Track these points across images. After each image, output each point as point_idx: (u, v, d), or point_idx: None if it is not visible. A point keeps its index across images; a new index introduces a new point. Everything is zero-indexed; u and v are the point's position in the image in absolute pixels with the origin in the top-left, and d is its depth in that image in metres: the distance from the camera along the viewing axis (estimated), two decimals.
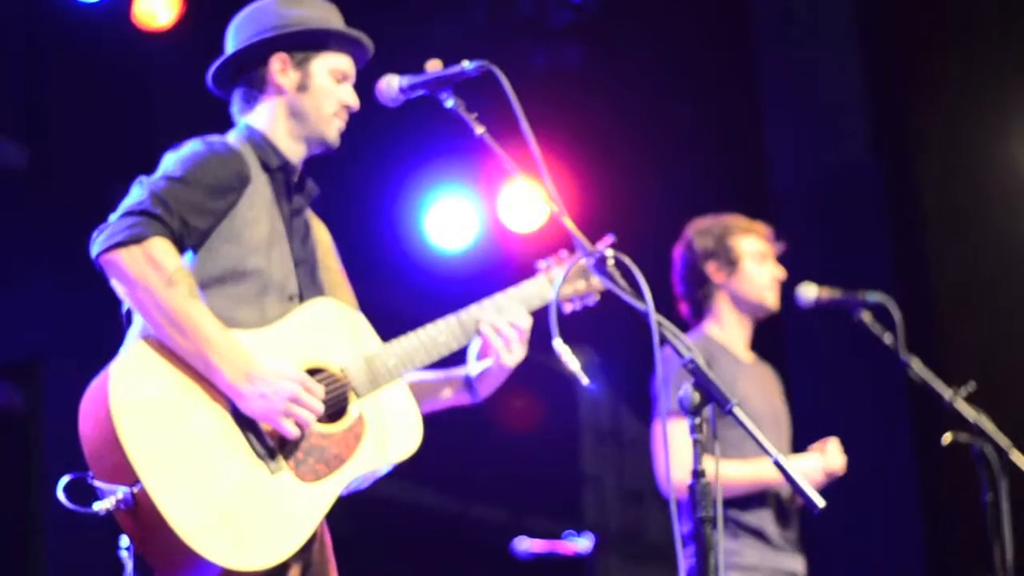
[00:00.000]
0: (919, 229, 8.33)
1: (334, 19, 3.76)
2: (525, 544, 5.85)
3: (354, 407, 3.51)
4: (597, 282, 3.94)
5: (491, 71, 3.29)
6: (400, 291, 7.93)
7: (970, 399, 4.85)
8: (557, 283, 3.68)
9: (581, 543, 5.70)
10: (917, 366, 4.92)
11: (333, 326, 3.60)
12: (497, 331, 3.75)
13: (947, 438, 4.84)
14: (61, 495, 3.26)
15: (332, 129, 3.72)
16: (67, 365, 3.41)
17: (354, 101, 3.73)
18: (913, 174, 8.39)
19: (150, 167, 3.69)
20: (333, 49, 3.72)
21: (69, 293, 6.15)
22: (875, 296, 4.97)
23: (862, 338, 4.98)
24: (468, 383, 3.84)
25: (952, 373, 4.95)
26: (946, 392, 4.85)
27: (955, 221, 8.19)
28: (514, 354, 3.77)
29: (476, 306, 3.79)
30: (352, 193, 7.78)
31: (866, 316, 5.00)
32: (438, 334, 3.70)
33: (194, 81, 3.88)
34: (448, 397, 3.88)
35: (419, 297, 7.70)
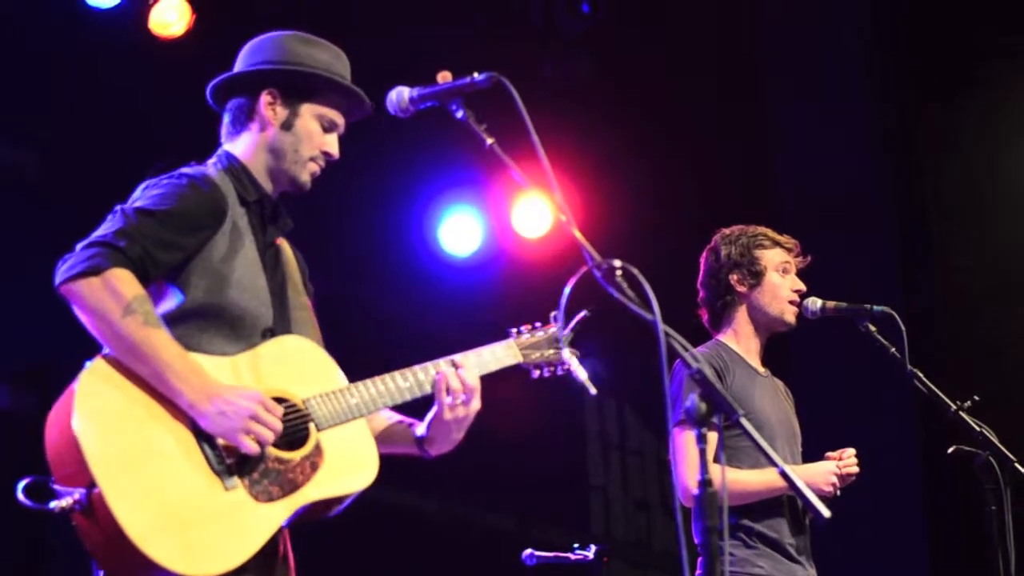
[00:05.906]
0: (924, 239, 8.35)
1: (340, 68, 3.81)
2: None
3: (314, 438, 3.54)
4: (567, 353, 3.96)
5: (501, 82, 3.30)
6: (415, 294, 7.99)
7: (972, 413, 4.87)
8: (564, 299, 3.63)
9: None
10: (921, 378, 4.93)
11: (299, 361, 3.64)
12: (447, 386, 3.72)
13: (952, 449, 4.86)
14: (21, 495, 3.30)
15: (304, 172, 3.76)
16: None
17: (335, 151, 3.78)
18: (918, 183, 8.41)
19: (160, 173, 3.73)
20: (327, 96, 3.77)
21: None
22: (880, 308, 4.98)
23: (867, 351, 4.98)
24: (419, 441, 3.83)
25: (954, 388, 4.96)
26: (950, 404, 4.86)
27: (961, 231, 8.21)
28: (455, 412, 3.73)
29: (440, 360, 3.78)
30: (368, 202, 7.81)
31: (872, 328, 5.00)
32: (403, 381, 3.71)
33: (203, 90, 3.92)
34: (401, 445, 3.86)
35: (433, 298, 7.75)
